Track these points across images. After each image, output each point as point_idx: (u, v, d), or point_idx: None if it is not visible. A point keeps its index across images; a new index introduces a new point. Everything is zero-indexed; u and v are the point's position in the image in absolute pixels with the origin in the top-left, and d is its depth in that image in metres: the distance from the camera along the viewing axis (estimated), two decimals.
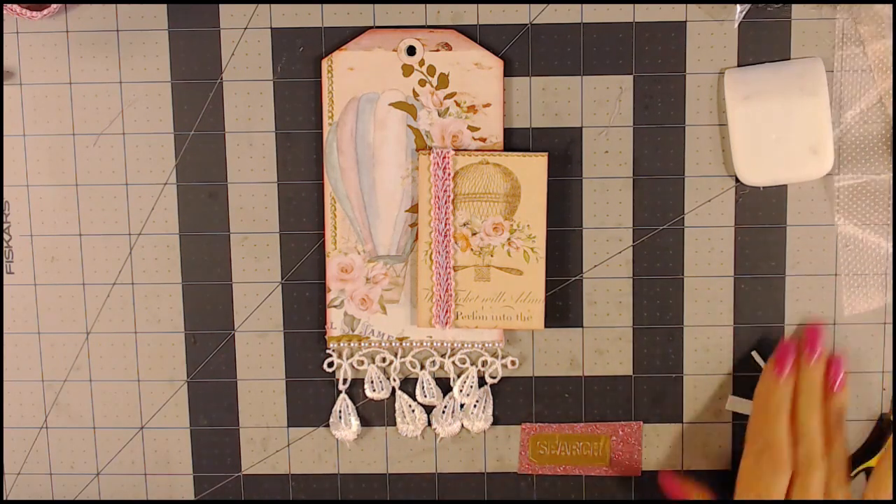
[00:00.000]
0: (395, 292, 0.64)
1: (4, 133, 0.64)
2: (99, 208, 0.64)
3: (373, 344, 0.64)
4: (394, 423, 0.66)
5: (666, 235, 0.63)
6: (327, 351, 0.65)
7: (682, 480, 0.62)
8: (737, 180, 0.63)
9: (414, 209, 0.63)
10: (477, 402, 0.65)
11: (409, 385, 0.65)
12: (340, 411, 0.65)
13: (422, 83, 0.62)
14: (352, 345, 0.64)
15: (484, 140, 0.62)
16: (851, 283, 0.63)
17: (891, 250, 0.63)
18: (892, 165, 0.62)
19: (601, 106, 0.63)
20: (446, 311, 0.62)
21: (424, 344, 0.64)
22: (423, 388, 0.65)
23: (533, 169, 0.61)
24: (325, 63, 0.62)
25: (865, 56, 0.62)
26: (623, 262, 0.64)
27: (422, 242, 0.62)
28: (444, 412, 0.65)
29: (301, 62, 0.63)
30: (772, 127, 0.60)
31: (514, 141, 0.63)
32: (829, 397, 0.59)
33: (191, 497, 0.66)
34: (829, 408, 0.59)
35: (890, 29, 0.61)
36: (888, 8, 0.61)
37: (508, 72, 0.62)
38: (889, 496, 0.57)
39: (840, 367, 0.59)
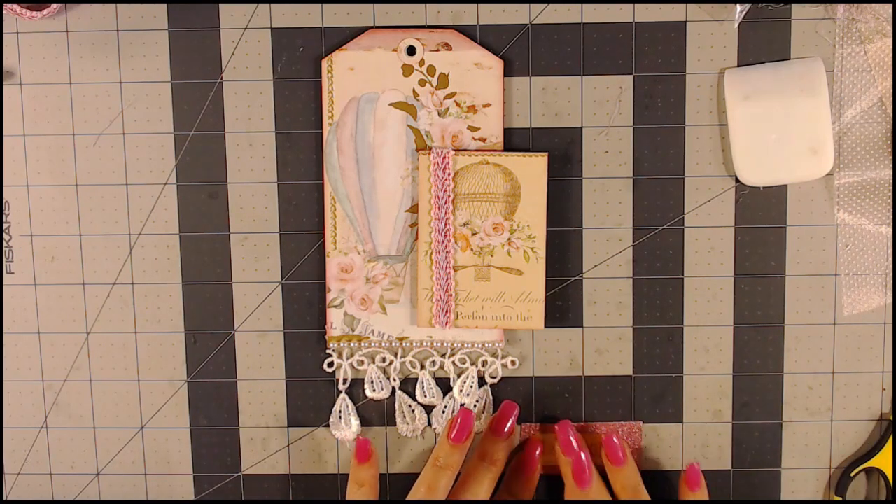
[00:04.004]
0: (395, 292, 0.64)
1: (4, 133, 0.64)
2: (99, 208, 0.64)
3: (373, 344, 0.64)
4: (394, 423, 0.66)
5: (666, 235, 0.63)
6: (327, 351, 0.65)
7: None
8: (737, 180, 0.63)
9: (414, 209, 0.63)
10: (477, 402, 0.65)
11: (409, 385, 0.65)
12: (340, 411, 0.65)
13: (422, 83, 0.62)
14: (352, 345, 0.64)
15: (484, 140, 0.62)
16: (851, 283, 0.63)
17: (891, 249, 0.63)
18: (892, 164, 0.62)
19: (601, 106, 0.63)
20: (446, 311, 0.62)
21: (424, 344, 0.64)
22: (423, 388, 0.65)
23: (533, 169, 0.61)
24: (325, 63, 0.62)
25: (865, 56, 0.62)
26: (623, 262, 0.64)
27: (422, 242, 0.62)
28: (444, 412, 0.65)
29: (301, 62, 0.63)
30: (772, 127, 0.60)
31: (514, 141, 0.63)
32: (617, 471, 0.62)
33: (191, 497, 0.66)
34: (620, 482, 0.62)
35: (890, 28, 0.61)
36: (888, 7, 0.61)
37: (508, 72, 0.62)
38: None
39: (614, 446, 0.62)
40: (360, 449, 0.62)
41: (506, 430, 0.62)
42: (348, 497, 0.62)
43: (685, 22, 0.62)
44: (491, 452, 0.62)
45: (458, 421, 0.61)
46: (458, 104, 0.62)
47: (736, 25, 0.62)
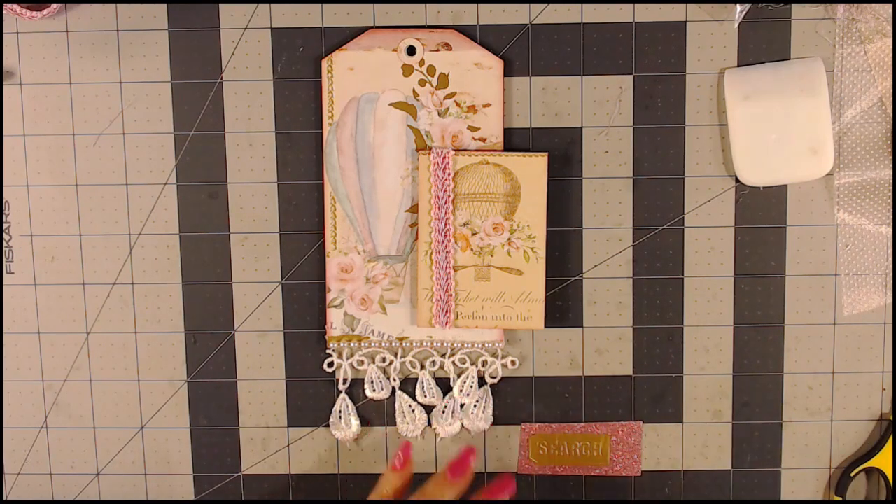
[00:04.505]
0: (395, 292, 0.64)
1: (4, 133, 0.64)
2: (99, 208, 0.64)
3: (373, 344, 0.64)
4: (394, 423, 0.66)
5: (666, 235, 0.63)
6: (327, 351, 0.65)
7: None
8: (737, 180, 0.63)
9: (414, 209, 0.63)
10: (477, 402, 0.65)
11: (409, 385, 0.65)
12: (340, 411, 0.65)
13: (422, 83, 0.62)
14: (352, 345, 0.64)
15: (484, 140, 0.62)
16: (851, 283, 0.63)
17: (891, 249, 0.63)
18: (892, 164, 0.62)
19: (601, 106, 0.63)
20: (446, 311, 0.62)
21: (424, 344, 0.64)
22: (423, 388, 0.65)
23: (533, 169, 0.61)
24: (325, 63, 0.62)
25: (865, 56, 0.62)
26: (623, 262, 0.64)
27: (422, 242, 0.62)
28: (444, 412, 0.65)
29: (301, 62, 0.63)
30: (772, 127, 0.60)
31: (514, 141, 0.63)
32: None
33: (191, 497, 0.66)
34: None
35: (890, 28, 0.61)
36: (888, 7, 0.61)
37: (508, 72, 0.62)
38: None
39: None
40: (399, 456, 0.58)
41: (462, 474, 0.56)
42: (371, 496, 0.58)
43: (685, 22, 0.62)
44: (439, 493, 0.56)
45: (458, 460, 0.56)
46: (458, 104, 0.62)
47: (736, 25, 0.62)
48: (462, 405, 0.65)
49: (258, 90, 0.63)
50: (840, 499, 0.65)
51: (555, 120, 0.63)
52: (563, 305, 0.64)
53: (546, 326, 0.63)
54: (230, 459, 0.66)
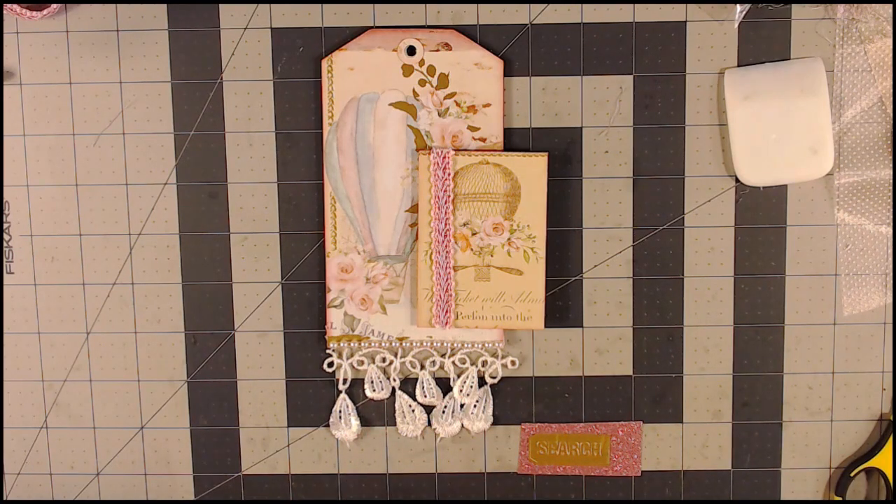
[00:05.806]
0: (395, 292, 0.64)
1: (4, 133, 0.64)
2: (99, 208, 0.64)
3: (373, 344, 0.64)
4: (394, 423, 0.66)
5: (666, 235, 0.63)
6: (327, 351, 0.65)
7: None
8: (737, 180, 0.63)
9: (414, 209, 0.63)
10: (477, 402, 0.65)
11: (409, 385, 0.65)
12: (340, 411, 0.65)
13: (422, 83, 0.62)
14: (352, 345, 0.64)
15: (484, 140, 0.62)
16: (851, 283, 0.63)
17: (891, 249, 0.63)
18: (892, 164, 0.62)
19: (601, 106, 0.63)
20: (446, 311, 0.62)
21: (424, 344, 0.64)
22: (423, 388, 0.65)
23: (533, 169, 0.61)
24: (325, 63, 0.62)
25: (865, 56, 0.62)
26: (623, 262, 0.64)
27: (422, 242, 0.62)
28: (444, 412, 0.65)
29: (301, 62, 0.63)
30: (772, 127, 0.60)
31: (514, 141, 0.63)
32: None
33: (191, 497, 0.66)
34: None
35: (890, 28, 0.61)
36: (888, 7, 0.61)
37: (508, 72, 0.62)
38: None
39: None
40: None
41: None
42: None
43: (685, 22, 0.62)
44: None
45: None
46: (458, 104, 0.62)
47: (736, 25, 0.62)
48: (462, 405, 0.65)
49: (258, 90, 0.63)
50: (840, 499, 0.65)
51: (555, 120, 0.63)
52: (563, 305, 0.64)
53: (546, 326, 0.63)
54: (230, 459, 0.66)
